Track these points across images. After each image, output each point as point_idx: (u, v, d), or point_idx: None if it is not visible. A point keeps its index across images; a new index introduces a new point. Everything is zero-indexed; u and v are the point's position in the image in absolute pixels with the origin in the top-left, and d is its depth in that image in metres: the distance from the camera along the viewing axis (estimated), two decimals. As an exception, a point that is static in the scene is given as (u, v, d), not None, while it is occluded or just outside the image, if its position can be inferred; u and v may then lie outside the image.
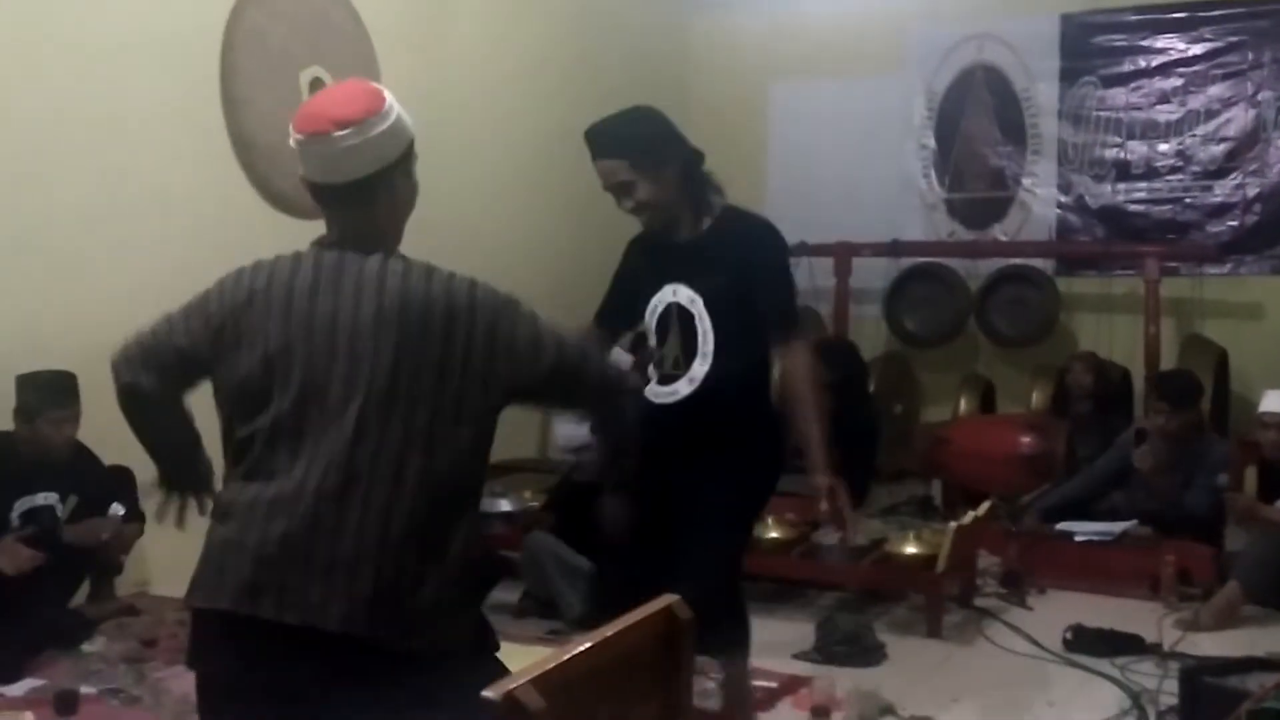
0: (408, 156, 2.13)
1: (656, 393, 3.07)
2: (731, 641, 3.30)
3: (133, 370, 2.12)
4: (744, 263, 3.03)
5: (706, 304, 3.03)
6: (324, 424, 1.98)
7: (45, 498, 4.29)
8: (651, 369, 3.13)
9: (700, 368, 3.02)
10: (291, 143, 2.09)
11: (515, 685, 1.42)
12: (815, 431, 3.00)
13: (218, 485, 2.20)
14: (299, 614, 1.92)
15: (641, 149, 3.01)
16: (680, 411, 3.04)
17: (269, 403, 2.01)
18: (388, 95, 2.11)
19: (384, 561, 1.94)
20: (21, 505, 4.25)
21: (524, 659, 1.75)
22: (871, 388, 7.33)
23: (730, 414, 3.04)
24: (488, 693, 1.41)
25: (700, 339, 3.03)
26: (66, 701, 3.64)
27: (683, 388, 3.04)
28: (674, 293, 3.08)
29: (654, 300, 3.12)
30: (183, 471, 2.27)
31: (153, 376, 2.11)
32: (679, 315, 3.07)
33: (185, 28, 5.21)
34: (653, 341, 3.15)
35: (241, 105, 5.42)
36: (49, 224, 4.71)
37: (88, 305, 4.80)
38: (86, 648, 4.20)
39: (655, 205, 3.03)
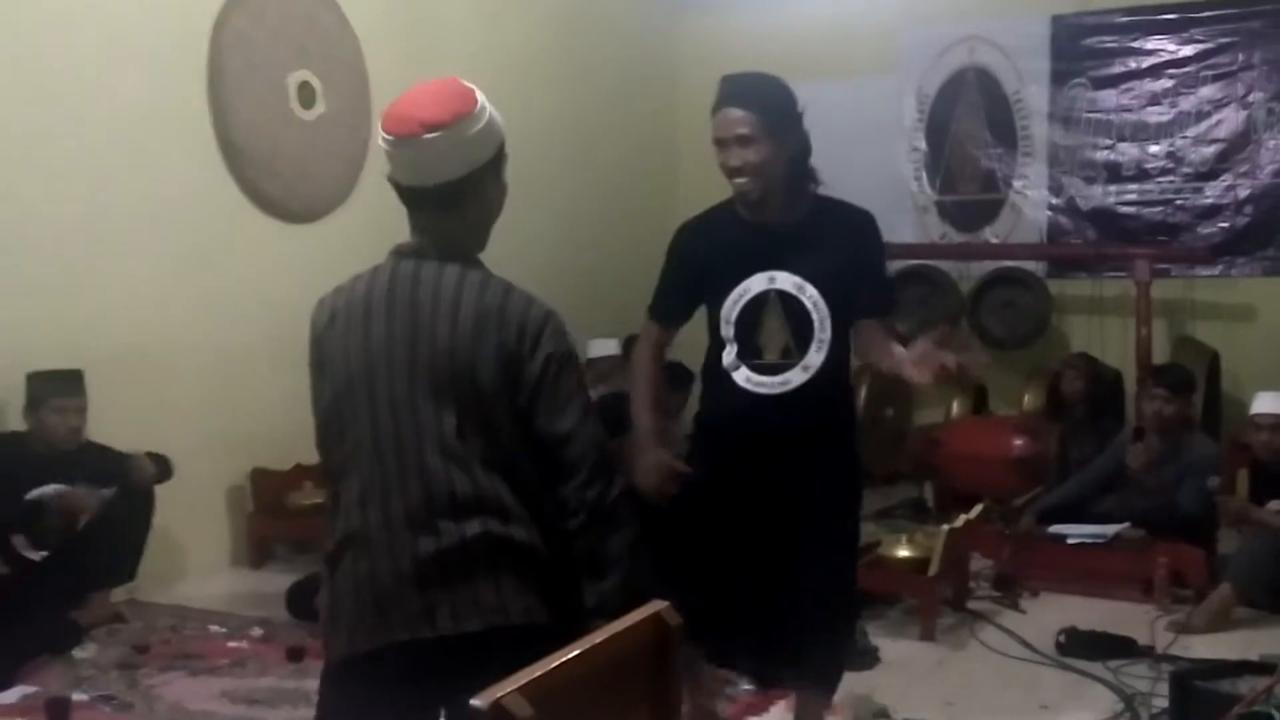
0: (499, 158, 2.11)
1: (761, 383, 2.97)
2: (833, 673, 3.20)
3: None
4: (854, 251, 2.99)
5: (821, 290, 2.94)
6: (427, 437, 1.99)
7: (55, 489, 4.33)
8: (736, 359, 2.99)
9: (817, 355, 2.95)
10: (380, 143, 2.08)
11: (503, 693, 1.42)
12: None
13: None
14: (477, 621, 1.97)
15: (775, 111, 2.95)
16: (793, 401, 2.95)
17: (359, 423, 2.02)
18: (479, 95, 2.09)
19: (526, 558, 2.01)
20: (31, 496, 4.31)
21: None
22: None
23: (839, 403, 3.06)
24: (476, 701, 1.41)
25: (816, 326, 2.95)
26: (59, 708, 3.63)
27: (796, 376, 2.95)
28: (771, 280, 2.96)
29: (740, 288, 2.98)
30: None
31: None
32: (783, 302, 2.96)
33: (171, 34, 5.21)
34: (730, 333, 3.00)
35: (229, 110, 5.41)
36: (36, 230, 4.70)
37: (76, 310, 4.79)
38: (78, 654, 4.20)
39: (760, 173, 2.92)
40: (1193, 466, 5.32)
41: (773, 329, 2.97)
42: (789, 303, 2.96)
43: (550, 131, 7.25)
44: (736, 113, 2.93)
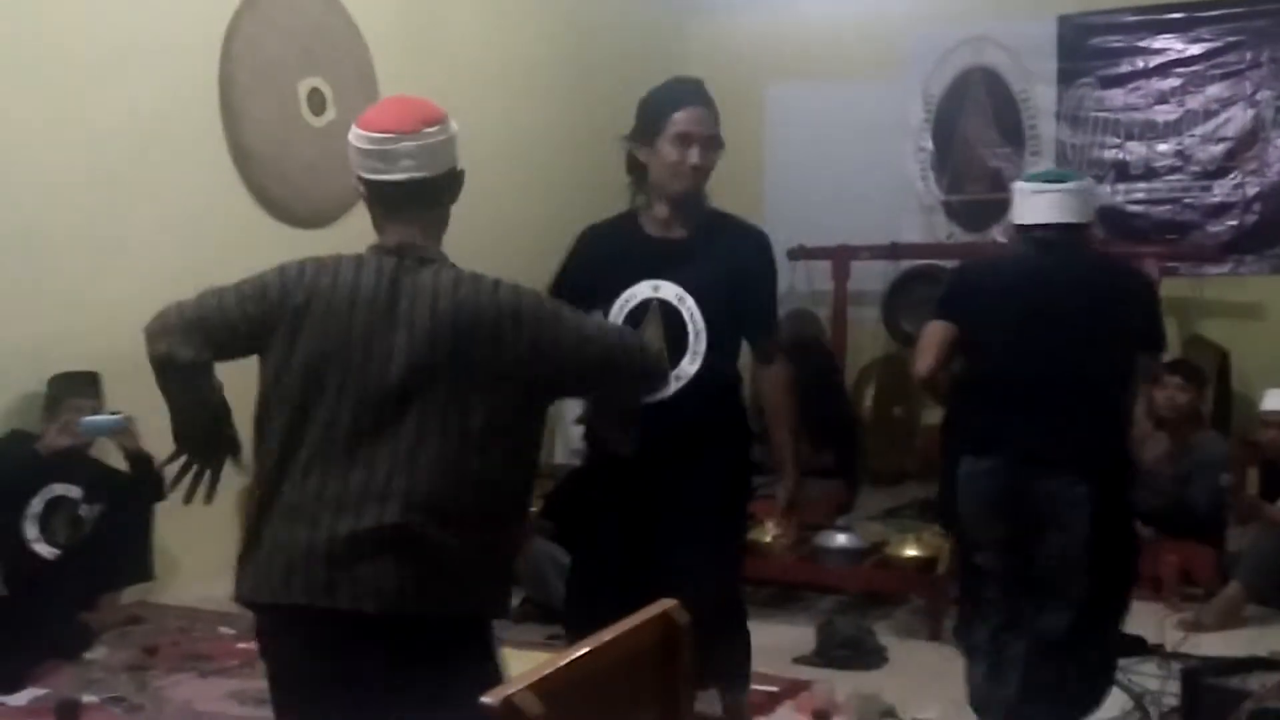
0: (460, 170, 2.26)
1: None
2: (738, 665, 3.24)
3: (170, 339, 2.18)
4: (739, 266, 3.05)
5: (699, 302, 3.00)
6: (384, 428, 2.06)
7: (66, 489, 4.36)
8: None
9: (689, 366, 2.99)
10: (357, 144, 2.18)
11: (513, 690, 1.42)
12: (790, 446, 3.14)
13: (245, 465, 2.30)
14: (377, 604, 2.01)
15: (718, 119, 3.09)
16: (667, 409, 2.92)
17: (324, 401, 2.08)
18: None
19: (451, 558, 2.05)
20: (44, 494, 4.36)
21: (523, 664, 1.77)
22: (844, 383, 7.38)
23: (716, 413, 3.06)
24: (486, 698, 1.42)
25: (691, 337, 3.00)
26: (68, 711, 3.64)
27: (683, 370, 3.00)
28: (655, 289, 3.04)
29: (625, 294, 3.06)
30: (208, 442, 2.32)
31: (191, 348, 2.18)
32: (663, 312, 3.02)
33: (183, 39, 5.23)
34: None
35: (239, 115, 5.43)
36: (49, 236, 4.72)
37: (89, 316, 4.81)
38: (88, 656, 4.21)
39: (706, 176, 3.06)
40: (1203, 464, 5.31)
41: (651, 337, 2.95)
42: (669, 312, 3.01)
43: (555, 134, 7.26)
44: (705, 111, 3.04)
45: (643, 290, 3.05)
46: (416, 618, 2.04)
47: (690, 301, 3.01)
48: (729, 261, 3.04)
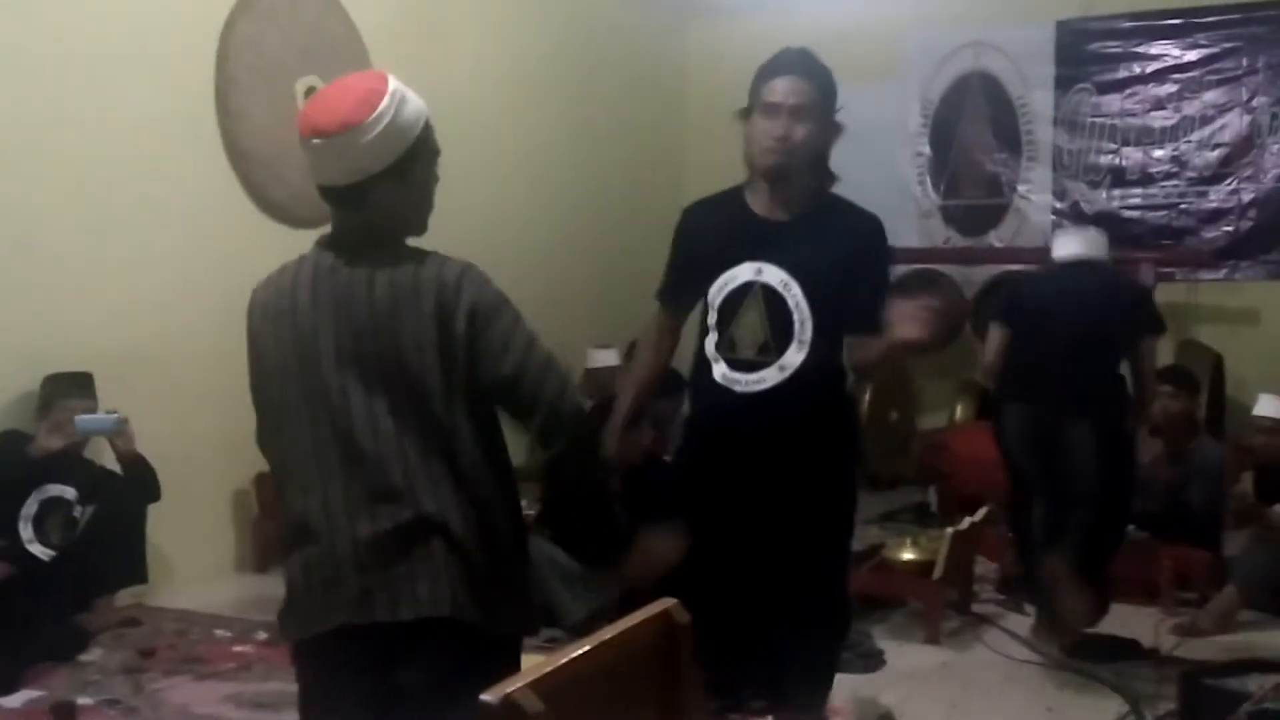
0: (416, 149, 2.08)
1: (735, 380, 2.83)
2: (817, 699, 3.04)
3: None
4: (850, 255, 2.84)
5: (805, 289, 2.80)
6: (360, 427, 2.02)
7: (60, 490, 4.35)
8: (715, 350, 2.87)
9: (795, 355, 2.79)
10: (300, 143, 2.11)
11: (513, 688, 1.42)
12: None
13: None
14: (413, 609, 1.99)
15: (829, 92, 2.88)
16: (768, 401, 2.80)
17: (298, 416, 2.06)
18: (390, 87, 2.07)
19: (468, 549, 2.02)
20: (37, 495, 4.35)
21: (522, 664, 1.77)
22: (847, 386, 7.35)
23: (823, 405, 2.86)
24: (486, 696, 1.41)
25: (797, 325, 2.79)
26: (64, 713, 3.63)
27: (771, 375, 2.80)
28: (758, 271, 2.83)
29: (726, 276, 2.86)
30: None
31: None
32: (765, 297, 2.82)
33: (180, 39, 5.22)
34: (713, 320, 2.88)
35: (237, 115, 5.42)
36: (46, 236, 4.71)
37: (85, 315, 4.80)
38: (84, 658, 4.19)
39: (798, 150, 2.82)
40: (1200, 469, 5.32)
41: (751, 323, 2.84)
42: (772, 297, 2.82)
43: (556, 137, 7.26)
44: (800, 83, 2.83)
45: (744, 272, 2.84)
46: (450, 622, 2.02)
47: (796, 288, 2.79)
48: (838, 247, 2.82)
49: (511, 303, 2.11)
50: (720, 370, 2.85)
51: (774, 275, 2.82)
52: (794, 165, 2.84)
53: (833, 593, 2.99)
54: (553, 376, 2.08)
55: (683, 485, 3.04)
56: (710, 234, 2.95)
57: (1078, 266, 4.59)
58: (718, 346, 2.87)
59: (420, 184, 2.12)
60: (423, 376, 2.01)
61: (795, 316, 2.80)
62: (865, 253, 2.89)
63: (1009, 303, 4.81)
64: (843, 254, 2.83)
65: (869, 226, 2.93)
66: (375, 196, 2.06)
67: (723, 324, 2.87)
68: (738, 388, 2.83)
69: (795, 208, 2.89)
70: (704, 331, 2.93)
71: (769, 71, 2.86)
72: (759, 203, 2.91)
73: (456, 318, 2.01)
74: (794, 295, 2.80)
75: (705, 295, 2.90)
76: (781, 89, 2.82)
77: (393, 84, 2.07)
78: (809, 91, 2.82)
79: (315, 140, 2.02)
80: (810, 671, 2.99)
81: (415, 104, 2.09)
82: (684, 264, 2.99)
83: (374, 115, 2.02)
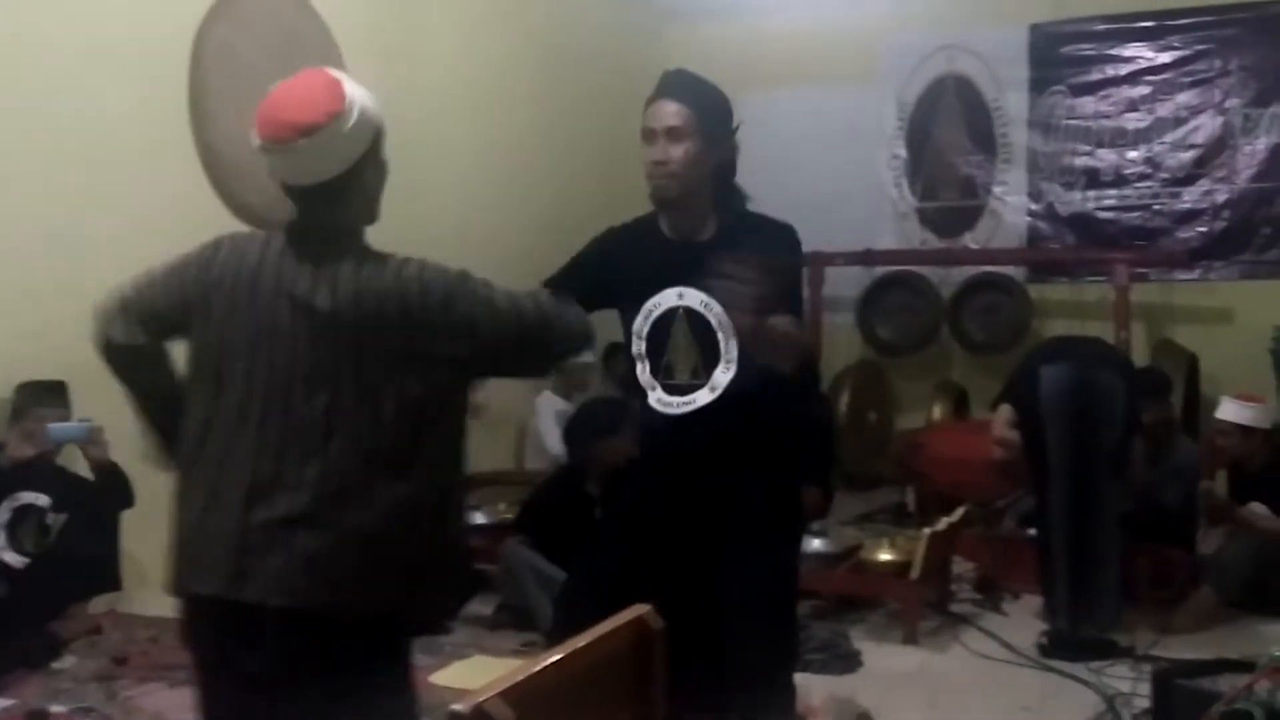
0: (375, 145, 2.11)
1: (667, 403, 2.85)
2: (783, 700, 3.01)
3: (112, 325, 2.18)
4: (763, 267, 2.76)
5: (726, 309, 2.78)
6: (293, 414, 2.01)
7: (33, 497, 4.33)
8: (650, 378, 2.88)
9: (723, 375, 2.80)
10: (255, 144, 2.09)
11: (485, 698, 1.42)
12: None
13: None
14: (283, 598, 1.97)
15: (710, 111, 2.85)
16: (699, 423, 2.82)
17: (233, 385, 2.04)
18: (346, 86, 2.08)
19: (364, 552, 1.99)
20: (10, 503, 4.30)
21: (499, 671, 1.76)
22: (822, 388, 7.38)
23: (754, 422, 2.83)
24: (457, 706, 1.41)
25: (721, 344, 2.81)
26: (37, 720, 3.61)
27: (702, 397, 2.81)
28: (680, 296, 2.84)
29: (649, 304, 2.87)
30: (168, 422, 2.23)
31: (134, 329, 2.16)
32: (690, 320, 2.84)
33: (153, 42, 5.19)
34: (640, 349, 2.88)
35: (210, 120, 5.39)
36: (16, 241, 4.67)
37: (58, 321, 4.76)
38: (57, 666, 4.16)
39: (683, 172, 2.80)
40: (1175, 469, 5.34)
41: (681, 347, 2.85)
42: (696, 320, 2.83)
43: (531, 139, 7.25)
44: (672, 105, 2.82)
45: (668, 298, 2.86)
46: (321, 615, 1.99)
47: (717, 307, 2.79)
48: (755, 263, 2.75)
49: (463, 275, 2.10)
50: (656, 396, 2.87)
51: (694, 298, 2.83)
52: (683, 186, 2.83)
53: (779, 607, 2.96)
54: (545, 308, 2.14)
55: (627, 510, 3.05)
56: (632, 261, 2.94)
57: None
58: (652, 373, 2.88)
59: (381, 174, 2.15)
60: (372, 376, 2.00)
61: (720, 336, 2.82)
62: (775, 259, 2.83)
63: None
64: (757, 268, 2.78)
65: (779, 236, 2.93)
66: (355, 186, 2.08)
67: (653, 352, 2.88)
68: (672, 411, 2.85)
69: (708, 229, 2.89)
70: (632, 362, 2.92)
71: (648, 99, 2.88)
72: (672, 227, 2.92)
73: (431, 323, 2.02)
74: (715, 314, 2.81)
75: (631, 324, 2.91)
76: (655, 114, 2.84)
77: (344, 78, 2.09)
78: (683, 113, 2.81)
79: (302, 140, 2.01)
80: (762, 689, 2.94)
81: (368, 95, 2.10)
82: (588, 278, 2.95)
83: (348, 99, 2.04)
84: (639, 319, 2.89)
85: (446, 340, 2.03)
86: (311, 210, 2.10)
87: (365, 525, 1.99)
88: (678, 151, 2.80)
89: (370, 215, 2.16)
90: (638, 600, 2.64)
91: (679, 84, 2.88)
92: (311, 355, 2.02)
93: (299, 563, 1.98)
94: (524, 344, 2.12)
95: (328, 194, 2.07)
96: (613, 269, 2.95)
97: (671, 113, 2.81)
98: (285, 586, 1.97)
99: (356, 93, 2.08)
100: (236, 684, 2.07)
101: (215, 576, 2.02)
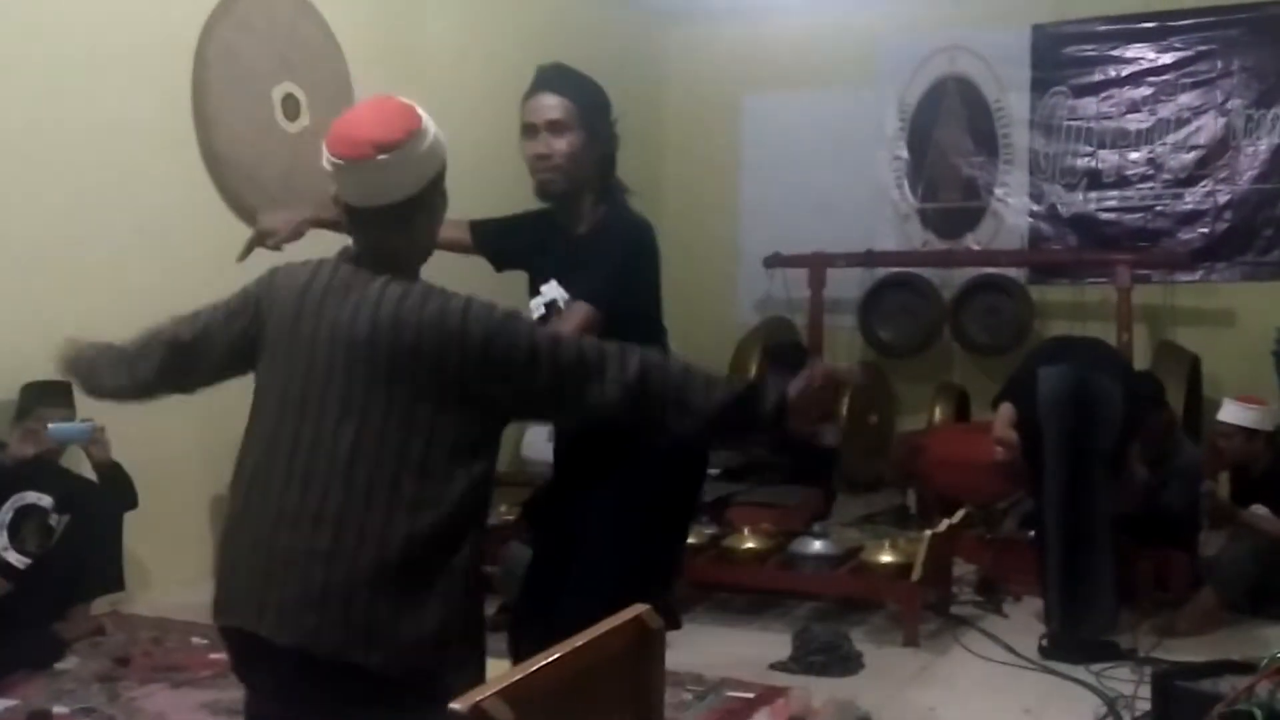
0: (442, 172, 2.15)
1: None
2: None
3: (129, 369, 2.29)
4: (603, 266, 2.79)
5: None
6: (322, 443, 1.99)
7: (36, 497, 4.33)
8: None
9: None
10: (326, 164, 2.08)
11: (483, 697, 1.42)
12: None
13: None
14: (293, 636, 1.95)
15: (590, 103, 2.84)
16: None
17: (268, 413, 2.06)
18: (422, 112, 2.11)
19: (378, 591, 1.95)
20: (13, 503, 4.30)
21: (499, 672, 1.76)
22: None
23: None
24: (455, 705, 1.41)
25: None
26: (39, 722, 3.62)
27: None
28: (553, 288, 2.85)
29: (539, 295, 2.88)
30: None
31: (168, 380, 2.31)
32: (556, 315, 2.81)
33: (157, 44, 5.20)
34: None
35: (213, 122, 5.41)
36: (20, 243, 4.68)
37: (61, 322, 4.76)
38: (59, 667, 4.17)
39: (565, 165, 2.80)
40: (1177, 471, 5.34)
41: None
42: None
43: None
44: (550, 98, 2.81)
45: (550, 290, 2.86)
46: (328, 658, 1.94)
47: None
48: (601, 259, 2.79)
49: (517, 313, 2.10)
50: None
51: (558, 294, 2.83)
52: (568, 179, 2.82)
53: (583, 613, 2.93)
54: (587, 362, 2.05)
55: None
56: (536, 243, 2.95)
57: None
58: None
59: (444, 204, 2.20)
60: (410, 418, 1.98)
61: None
62: (620, 259, 2.82)
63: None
64: (605, 266, 2.78)
65: (624, 229, 2.87)
66: (423, 210, 2.11)
67: None
68: None
69: (585, 223, 2.88)
70: None
71: (526, 94, 2.87)
72: (561, 217, 2.92)
73: (468, 363, 2.00)
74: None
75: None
76: (535, 108, 2.84)
77: (416, 104, 2.13)
78: (564, 106, 2.80)
79: (382, 156, 2.01)
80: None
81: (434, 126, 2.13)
82: (511, 235, 2.99)
83: (425, 122, 2.08)
84: (532, 306, 2.88)
85: (480, 380, 2.00)
86: (376, 234, 2.09)
87: (382, 564, 1.95)
88: (561, 144, 2.80)
89: (430, 245, 2.18)
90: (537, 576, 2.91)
91: (558, 77, 2.87)
92: (344, 382, 2.00)
93: (313, 597, 1.94)
94: (558, 393, 2.06)
95: (397, 217, 2.07)
96: (525, 246, 2.96)
97: (552, 105, 2.81)
98: (295, 623, 1.95)
99: (430, 121, 2.11)
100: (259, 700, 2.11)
101: (239, 608, 2.02)
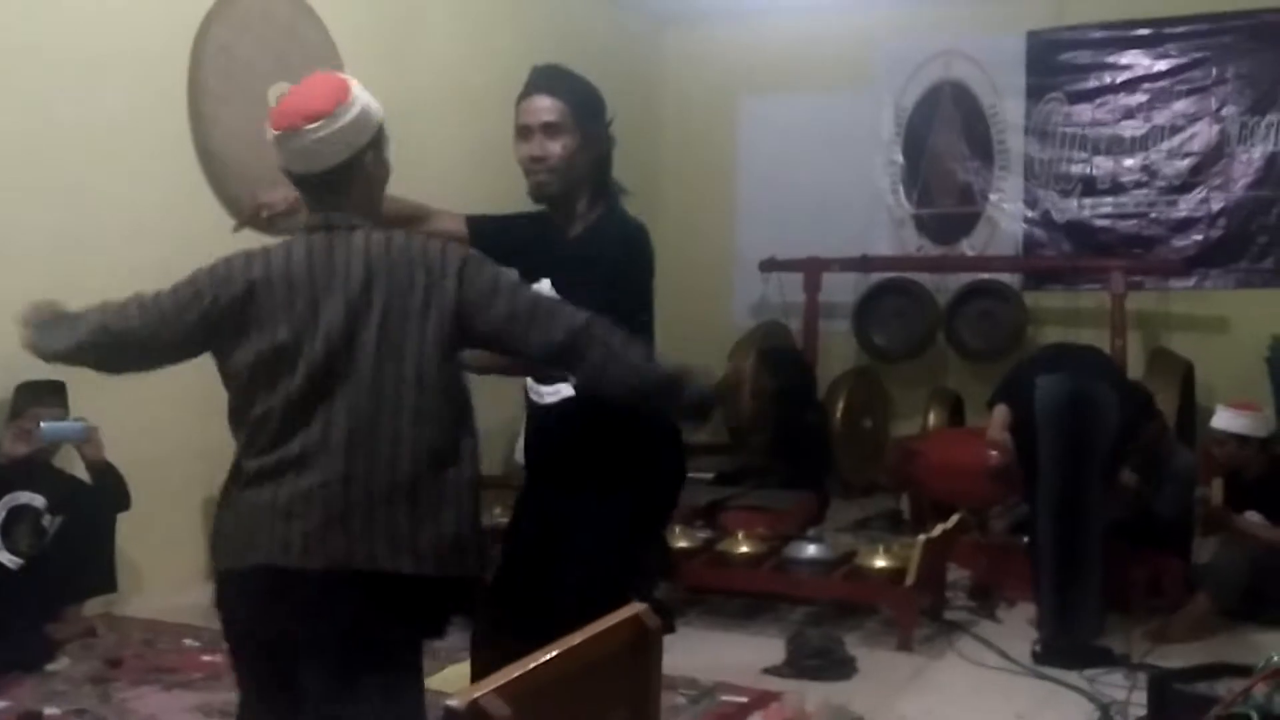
0: (378, 139, 2.29)
1: (540, 392, 2.87)
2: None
3: (98, 353, 2.35)
4: (604, 266, 2.78)
5: (574, 304, 2.68)
6: (339, 386, 2.16)
7: (29, 498, 4.32)
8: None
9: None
10: (269, 138, 2.27)
11: (480, 693, 1.41)
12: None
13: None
14: (324, 559, 2.10)
15: (585, 104, 2.84)
16: (558, 412, 2.83)
17: (281, 380, 2.18)
18: (352, 84, 2.28)
19: (394, 506, 2.13)
20: (6, 503, 4.29)
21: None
22: (817, 394, 7.41)
23: (597, 427, 2.74)
24: (452, 701, 1.40)
25: None
26: (30, 722, 3.60)
27: (565, 387, 2.79)
28: (544, 289, 2.77)
29: None
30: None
31: (130, 359, 2.36)
32: None
33: (152, 44, 5.19)
34: None
35: (209, 121, 5.40)
36: (14, 242, 4.67)
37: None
38: (51, 668, 4.16)
39: (560, 167, 2.79)
40: (1171, 476, 5.34)
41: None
42: None
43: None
44: (545, 100, 2.80)
45: (543, 290, 2.78)
46: (357, 574, 2.11)
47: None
48: (597, 261, 2.77)
49: (487, 260, 2.29)
50: (531, 385, 2.92)
51: (551, 293, 2.75)
52: (563, 181, 2.82)
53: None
54: (542, 310, 2.25)
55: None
56: (527, 246, 2.91)
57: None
58: None
59: (383, 171, 2.33)
60: (405, 338, 2.17)
61: None
62: (613, 262, 2.81)
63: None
64: (599, 267, 2.77)
65: (618, 232, 2.87)
66: (358, 173, 2.26)
67: None
68: (541, 400, 2.89)
69: (579, 224, 2.87)
70: None
71: (520, 95, 2.86)
72: (555, 218, 2.91)
73: (446, 281, 2.19)
74: None
75: None
76: (530, 110, 2.82)
77: (352, 81, 2.30)
78: (556, 107, 2.79)
79: (308, 126, 2.19)
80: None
81: (372, 97, 2.30)
82: (505, 233, 2.96)
83: (353, 94, 2.25)
84: None
85: (454, 293, 2.18)
86: (319, 198, 2.27)
87: (393, 483, 2.13)
88: (555, 146, 2.79)
89: (370, 209, 2.31)
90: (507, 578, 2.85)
91: (553, 79, 2.86)
92: (344, 326, 2.16)
93: (336, 521, 2.11)
94: (512, 323, 2.23)
95: (331, 182, 2.24)
96: (519, 245, 2.92)
97: (547, 108, 2.80)
98: (323, 546, 2.10)
99: (361, 92, 2.27)
100: (274, 652, 2.20)
101: (263, 547, 2.14)
